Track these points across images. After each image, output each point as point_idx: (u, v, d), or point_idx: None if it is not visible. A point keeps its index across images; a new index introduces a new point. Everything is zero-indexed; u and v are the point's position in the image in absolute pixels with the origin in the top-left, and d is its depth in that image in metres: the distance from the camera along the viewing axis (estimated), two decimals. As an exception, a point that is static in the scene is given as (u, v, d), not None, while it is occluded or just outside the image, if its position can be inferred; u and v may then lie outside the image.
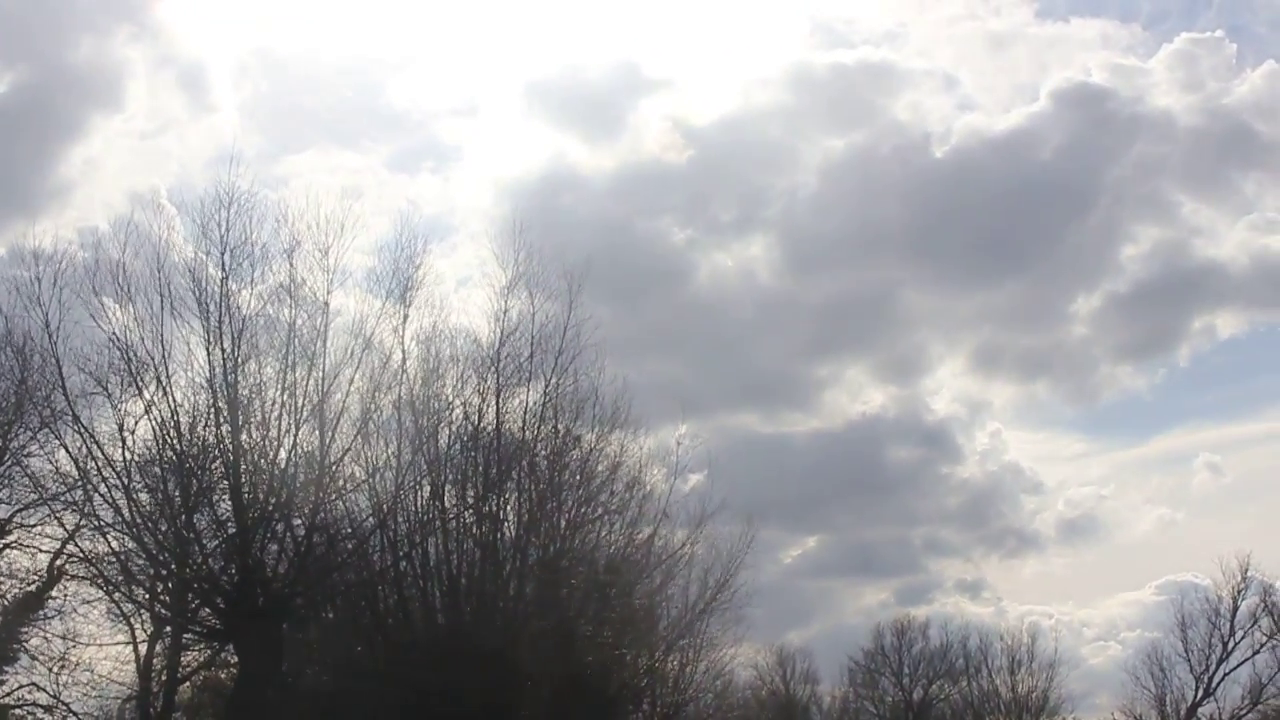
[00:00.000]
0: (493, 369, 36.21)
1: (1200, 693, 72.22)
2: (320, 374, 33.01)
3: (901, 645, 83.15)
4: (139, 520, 32.07)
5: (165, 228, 33.14)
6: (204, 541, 33.65)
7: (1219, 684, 71.85)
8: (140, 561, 33.32)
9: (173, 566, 33.39)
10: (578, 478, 37.64)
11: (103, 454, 31.71)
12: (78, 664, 38.23)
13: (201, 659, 40.67)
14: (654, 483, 39.52)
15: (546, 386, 36.69)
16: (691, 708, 44.78)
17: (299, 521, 33.67)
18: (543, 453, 37.45)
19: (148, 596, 36.23)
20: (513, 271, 36.71)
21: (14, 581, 37.88)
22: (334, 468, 33.46)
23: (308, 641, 36.51)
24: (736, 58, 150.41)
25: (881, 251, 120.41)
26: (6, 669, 38.53)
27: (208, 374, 32.19)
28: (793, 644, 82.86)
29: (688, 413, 43.48)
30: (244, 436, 32.62)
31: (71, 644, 38.06)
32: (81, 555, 34.96)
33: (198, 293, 32.09)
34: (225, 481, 32.99)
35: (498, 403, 36.13)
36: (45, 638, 38.05)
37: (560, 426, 37.58)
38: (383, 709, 33.65)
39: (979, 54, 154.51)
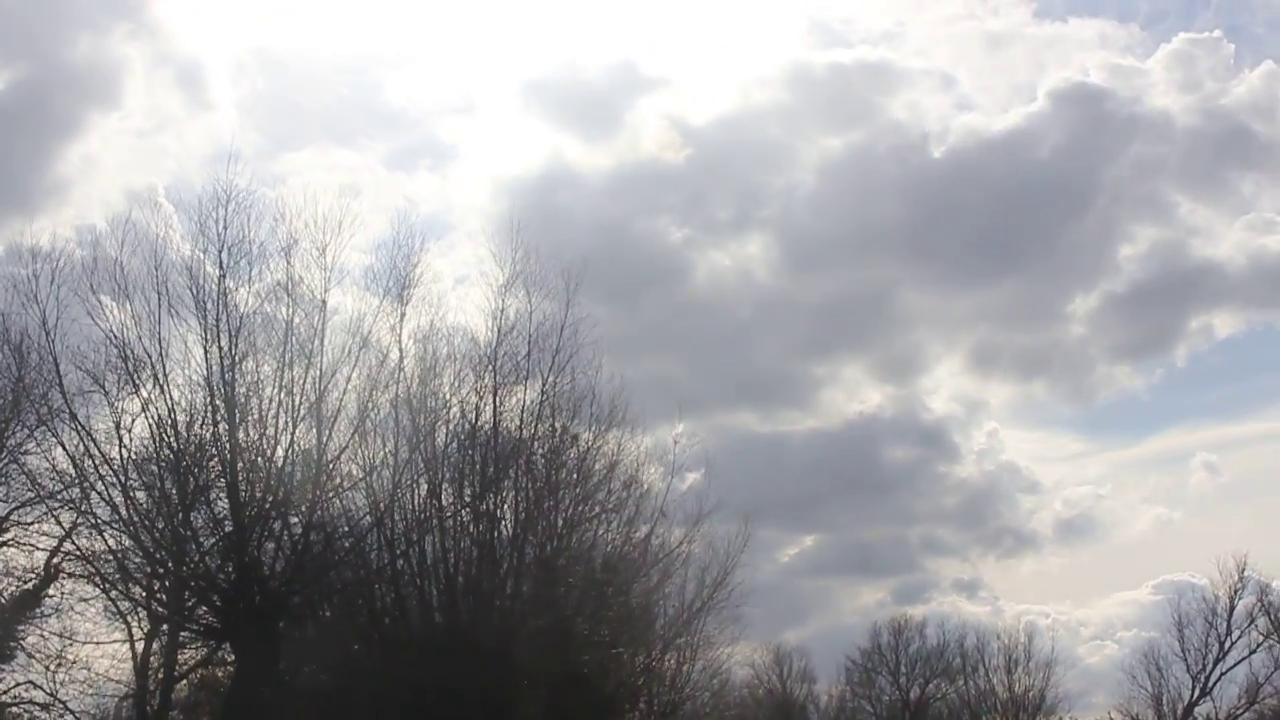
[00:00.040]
0: (490, 367, 36.22)
1: (1197, 692, 72.36)
2: (318, 372, 33.08)
3: (898, 644, 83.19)
4: (136, 518, 32.09)
5: (163, 226, 33.24)
6: (201, 539, 33.71)
7: (1215, 683, 72.04)
8: (137, 559, 33.34)
9: (170, 564, 33.39)
10: (575, 476, 37.67)
11: (100, 452, 31.78)
12: (75, 662, 38.24)
13: (198, 657, 40.61)
14: (651, 481, 39.58)
15: (544, 385, 36.74)
16: (688, 706, 44.80)
17: (296, 520, 33.70)
18: (540, 451, 37.47)
19: (145, 594, 36.23)
20: (510, 270, 36.76)
21: (11, 579, 37.91)
22: (331, 466, 33.47)
23: (305, 639, 36.46)
24: (734, 57, 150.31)
25: (879, 251, 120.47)
26: (3, 667, 38.49)
27: (205, 372, 32.25)
28: (790, 643, 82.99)
29: (685, 411, 43.49)
30: (241, 435, 32.64)
31: (68, 642, 38.08)
32: (78, 553, 34.95)
33: (195, 291, 32.20)
34: (222, 480, 32.98)
35: (495, 401, 36.14)
36: (42, 635, 38.05)
37: (557, 425, 37.62)
38: (380, 707, 33.66)
39: (977, 54, 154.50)
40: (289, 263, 33.36)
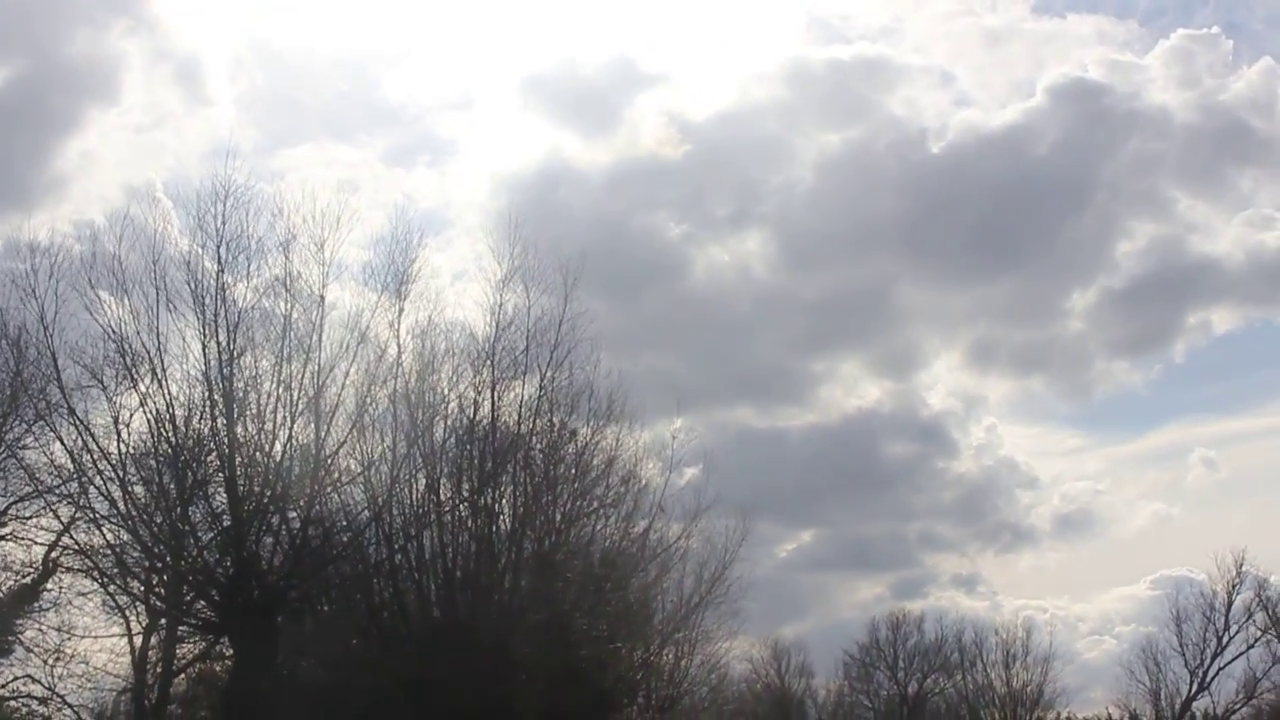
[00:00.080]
0: (488, 363, 36.22)
1: (1195, 687, 72.57)
2: (316, 367, 33.07)
3: (896, 639, 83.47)
4: (134, 513, 32.12)
5: (161, 221, 33.17)
6: (199, 534, 33.73)
7: (1213, 678, 72.29)
8: (135, 554, 33.37)
9: (168, 559, 33.41)
10: (573, 471, 37.70)
11: (98, 447, 31.77)
12: (73, 656, 38.30)
13: (196, 651, 40.65)
14: (649, 476, 39.59)
15: (542, 380, 36.73)
16: (686, 701, 44.85)
17: (294, 514, 33.70)
18: (538, 446, 37.47)
19: (143, 589, 36.34)
20: (508, 265, 36.75)
21: (9, 574, 37.97)
22: (329, 461, 33.49)
23: (303, 634, 36.48)
24: (733, 53, 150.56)
25: (877, 246, 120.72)
26: (2, 661, 38.60)
27: (203, 367, 32.19)
28: (788, 638, 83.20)
29: (683, 407, 43.62)
30: (239, 429, 32.64)
31: (66, 636, 38.12)
32: (77, 547, 35.07)
33: (193, 286, 32.20)
34: (220, 474, 32.99)
35: (493, 396, 36.14)
36: (40, 630, 38.11)
37: (555, 420, 37.62)
38: (378, 702, 33.67)
39: (975, 50, 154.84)
40: (287, 258, 33.37)
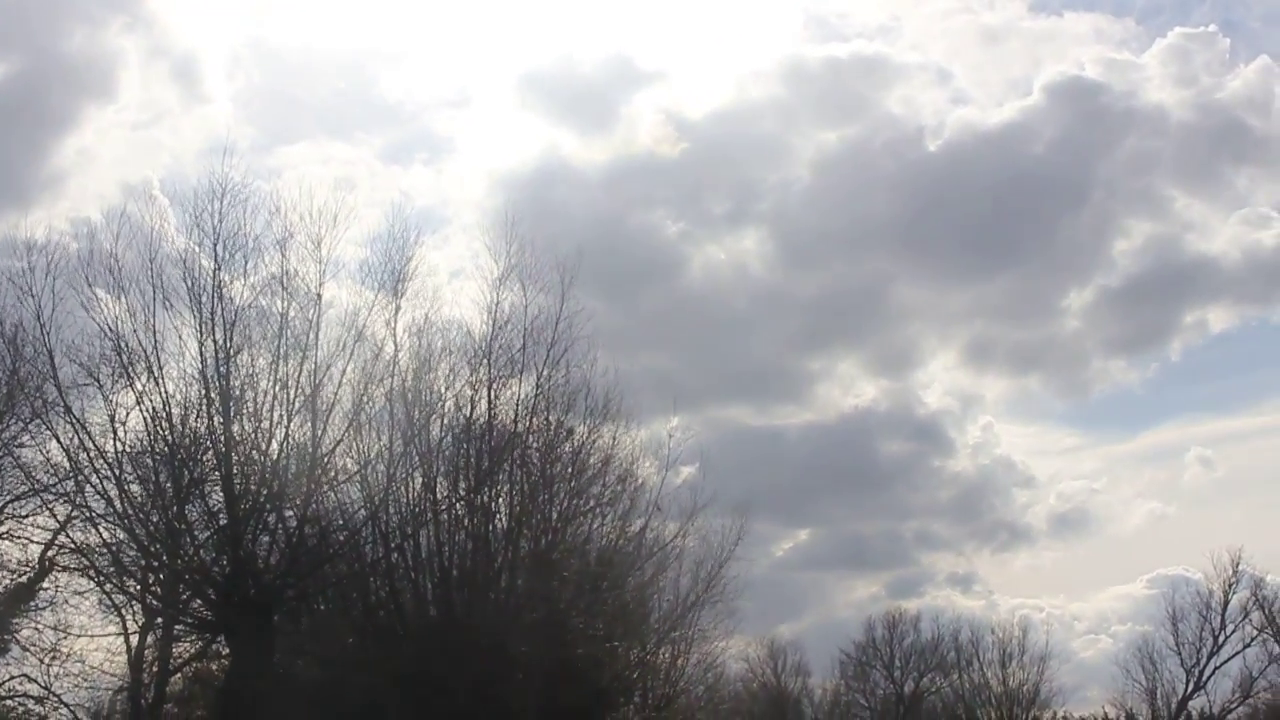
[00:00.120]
0: (485, 361, 36.19)
1: (1191, 686, 72.79)
2: (312, 366, 33.04)
3: (893, 638, 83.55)
4: (130, 511, 32.07)
5: (158, 219, 33.12)
6: (195, 533, 33.67)
7: (1209, 677, 72.50)
8: (132, 553, 33.32)
9: (164, 558, 33.37)
10: (569, 470, 37.65)
11: (94, 445, 31.72)
12: (69, 655, 38.23)
13: (193, 650, 40.63)
14: (646, 475, 39.53)
15: (539, 379, 36.71)
16: (683, 700, 44.74)
17: (291, 513, 33.65)
18: (535, 445, 37.45)
19: (139, 588, 36.30)
20: (505, 263, 36.70)
21: (5, 573, 37.86)
22: (326, 459, 33.45)
23: (299, 632, 36.47)
24: (730, 51, 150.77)
25: (874, 245, 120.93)
26: (-2, 660, 38.52)
27: (200, 365, 32.13)
28: (784, 637, 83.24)
29: (680, 405, 43.52)
30: (236, 428, 32.63)
31: (63, 635, 38.04)
32: (73, 546, 35.00)
33: (190, 284, 32.12)
34: (217, 473, 32.96)
35: (490, 395, 36.11)
36: (36, 629, 38.03)
37: (552, 419, 37.59)
38: (375, 700, 33.66)
39: (972, 48, 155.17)
40: (284, 256, 33.34)
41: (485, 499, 36.21)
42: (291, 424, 32.76)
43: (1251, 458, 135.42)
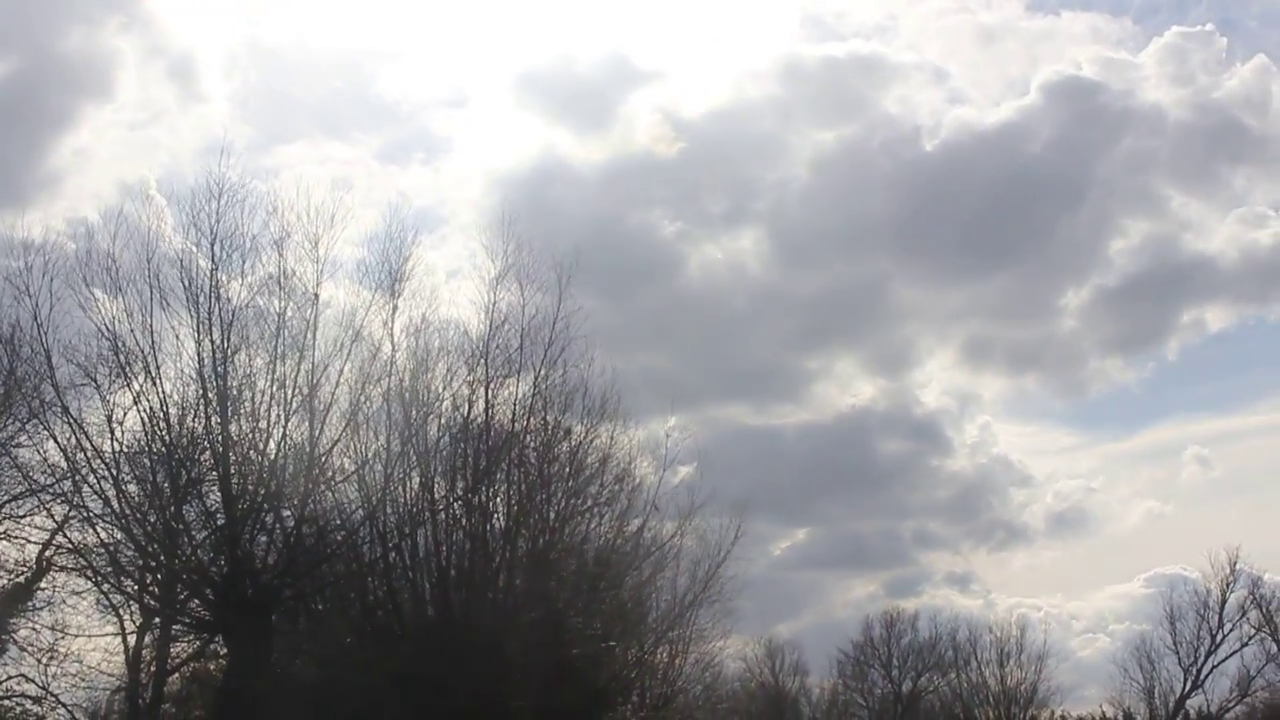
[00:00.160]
0: (482, 361, 36.17)
1: (1188, 685, 72.82)
2: (310, 365, 33.02)
3: (890, 637, 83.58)
4: (128, 511, 32.04)
5: (155, 219, 33.17)
6: (193, 533, 33.66)
7: (1207, 676, 72.54)
8: (129, 553, 33.33)
9: (162, 558, 33.37)
10: (567, 470, 37.63)
11: (92, 445, 31.68)
12: (66, 655, 38.16)
13: (190, 650, 40.61)
14: (643, 475, 39.55)
15: (536, 378, 36.68)
16: (680, 699, 44.76)
17: (288, 513, 33.63)
18: (532, 444, 37.46)
19: (137, 588, 36.33)
20: (502, 263, 36.68)
21: (3, 573, 37.81)
22: (323, 459, 33.42)
23: (297, 632, 36.48)
24: (727, 50, 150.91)
25: (871, 244, 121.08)
26: (-5, 661, 38.48)
27: (197, 365, 32.12)
28: (782, 636, 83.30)
29: (677, 405, 43.53)
30: (233, 428, 32.60)
31: (60, 635, 37.99)
32: (70, 546, 34.94)
33: (187, 284, 32.07)
34: (214, 473, 32.96)
35: (487, 394, 36.11)
36: (34, 629, 38.00)
37: (550, 418, 37.59)
38: (372, 700, 33.65)
39: (969, 47, 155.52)
40: (281, 256, 33.32)
41: (483, 499, 36.22)
42: (289, 424, 32.77)
43: (1249, 457, 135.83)
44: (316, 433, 32.98)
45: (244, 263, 32.94)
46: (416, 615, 35.93)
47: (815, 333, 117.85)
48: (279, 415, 32.62)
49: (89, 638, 39.20)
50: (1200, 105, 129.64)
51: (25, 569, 37.97)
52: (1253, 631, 71.63)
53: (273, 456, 32.75)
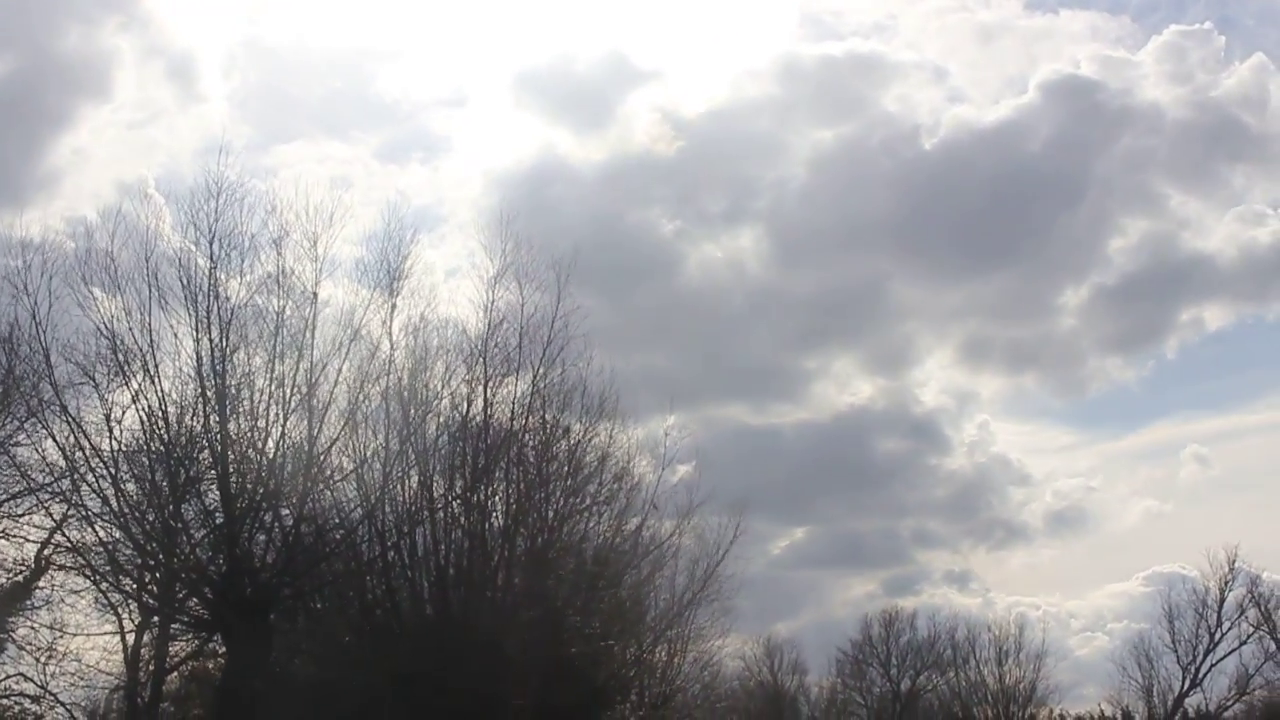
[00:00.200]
0: (481, 360, 36.20)
1: (1187, 683, 72.71)
2: (309, 364, 33.03)
3: (889, 636, 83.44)
4: (126, 510, 32.04)
5: (153, 218, 33.17)
6: (192, 531, 33.67)
7: (1206, 675, 72.43)
8: (128, 551, 33.33)
9: (160, 556, 33.39)
10: (566, 468, 37.65)
11: (90, 444, 31.67)
12: (65, 654, 38.13)
13: (189, 649, 40.61)
14: (642, 474, 39.60)
15: (534, 377, 36.69)
16: (679, 698, 44.82)
17: (287, 512, 33.64)
18: (531, 443, 37.49)
19: (135, 586, 36.32)
20: (501, 262, 36.70)
21: (1, 572, 37.78)
22: (322, 458, 33.43)
23: (296, 631, 36.50)
24: (726, 49, 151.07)
25: (870, 243, 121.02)
26: (-6, 659, 38.45)
27: (195, 364, 32.13)
28: (780, 635, 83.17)
29: (676, 404, 43.47)
30: (232, 426, 32.60)
31: (59, 634, 37.94)
32: (69, 545, 34.91)
33: (186, 283, 32.08)
34: (213, 471, 32.96)
35: (485, 393, 36.13)
36: (33, 628, 37.94)
37: (548, 417, 37.61)
38: (371, 699, 33.66)
39: (968, 46, 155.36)
40: (280, 255, 33.36)
41: (481, 497, 36.23)
42: (288, 423, 32.77)
43: (1247, 455, 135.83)
44: (315, 431, 32.99)
45: (243, 262, 33.01)
46: (415, 614, 35.94)
47: (814, 332, 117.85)
48: (277, 414, 32.65)
49: (87, 636, 39.22)
50: (1199, 104, 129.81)
51: (24, 568, 37.96)
52: (1251, 630, 71.62)
53: (271, 455, 32.77)
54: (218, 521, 33.04)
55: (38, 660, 37.73)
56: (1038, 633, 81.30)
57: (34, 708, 38.86)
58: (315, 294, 33.32)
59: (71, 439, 31.65)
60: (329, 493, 34.61)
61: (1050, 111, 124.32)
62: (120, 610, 39.41)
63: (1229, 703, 72.28)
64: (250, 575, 32.68)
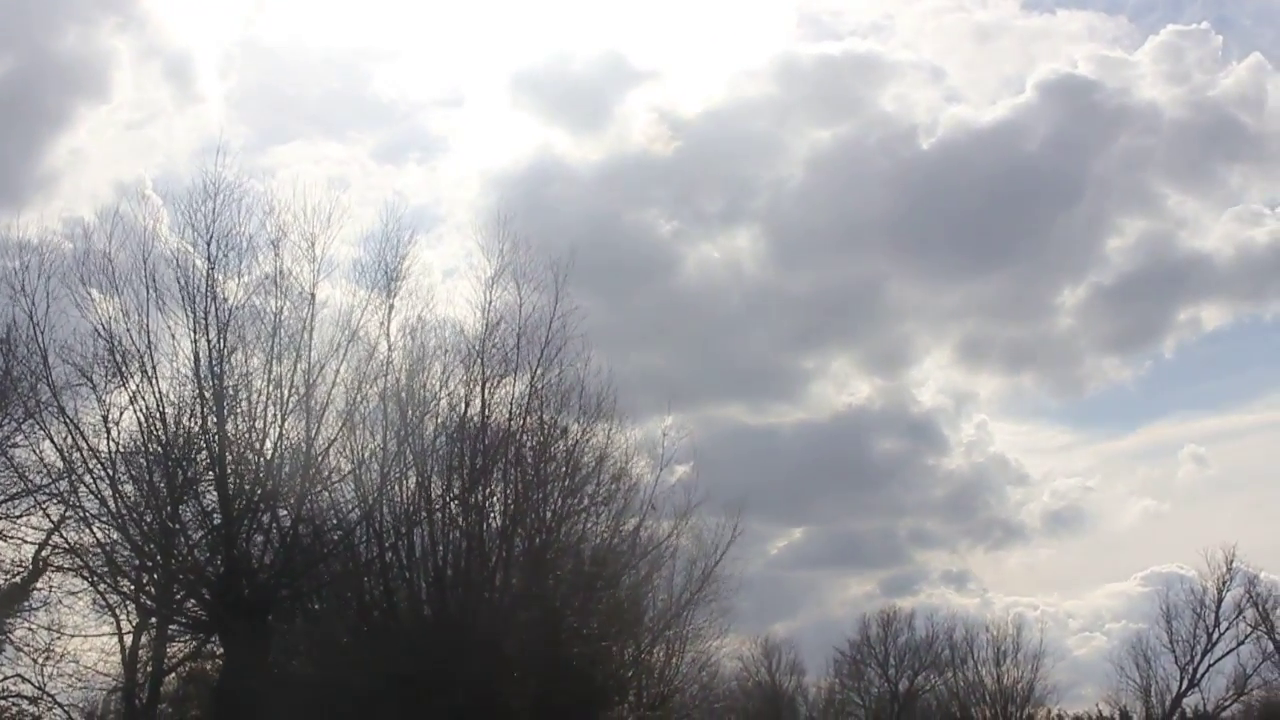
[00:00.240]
0: (478, 360, 36.24)
1: (1185, 683, 72.79)
2: (306, 365, 33.06)
3: (887, 636, 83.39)
4: (124, 511, 32.06)
5: (151, 218, 33.16)
6: (189, 532, 33.68)
7: (1203, 675, 72.49)
8: (126, 553, 33.32)
9: (158, 558, 33.37)
10: (564, 469, 37.66)
11: (88, 445, 31.73)
12: (63, 655, 38.02)
13: (187, 650, 40.49)
14: (640, 474, 39.62)
15: (532, 377, 36.71)
16: (677, 699, 44.80)
17: (285, 512, 33.66)
18: (529, 444, 37.50)
19: (133, 588, 36.30)
20: (498, 262, 36.73)
21: (-1, 573, 37.80)
22: (320, 459, 33.46)
23: (294, 632, 36.50)
24: (723, 49, 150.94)
25: (868, 243, 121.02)
26: (-9, 660, 38.39)
27: (193, 365, 32.18)
28: (778, 635, 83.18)
29: (674, 404, 43.56)
30: (230, 427, 32.62)
31: (56, 635, 37.82)
32: (67, 546, 34.87)
33: (183, 283, 32.13)
34: (211, 472, 32.97)
35: (483, 394, 36.15)
36: (30, 629, 37.84)
37: (546, 418, 37.62)
38: (369, 699, 33.65)
39: (965, 46, 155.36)
40: (277, 255, 33.40)
41: (479, 498, 36.24)
42: (285, 423, 32.82)
43: (1245, 455, 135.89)
44: (313, 432, 33.02)
45: (240, 262, 33.04)
46: (413, 614, 35.94)
47: (811, 331, 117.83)
48: (275, 415, 32.68)
49: (85, 638, 39.10)
50: (1196, 103, 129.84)
51: (21, 569, 37.88)
52: (1249, 630, 71.69)
53: (269, 456, 32.80)
54: (215, 522, 33.06)
55: (35, 661, 37.65)
56: (1035, 633, 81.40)
57: (32, 709, 38.79)
58: (313, 295, 33.41)
59: (69, 440, 31.72)
60: (327, 493, 34.68)
61: (1047, 111, 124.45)
62: (118, 611, 39.31)
63: (1227, 703, 72.37)
64: (248, 576, 32.68)
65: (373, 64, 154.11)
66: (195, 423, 32.67)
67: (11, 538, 37.26)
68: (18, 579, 37.89)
